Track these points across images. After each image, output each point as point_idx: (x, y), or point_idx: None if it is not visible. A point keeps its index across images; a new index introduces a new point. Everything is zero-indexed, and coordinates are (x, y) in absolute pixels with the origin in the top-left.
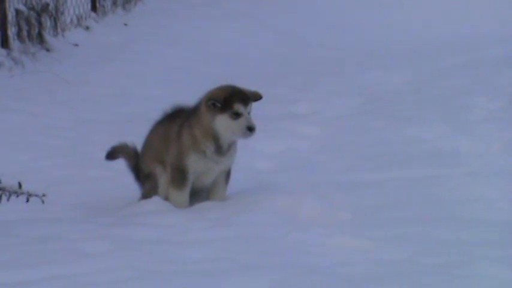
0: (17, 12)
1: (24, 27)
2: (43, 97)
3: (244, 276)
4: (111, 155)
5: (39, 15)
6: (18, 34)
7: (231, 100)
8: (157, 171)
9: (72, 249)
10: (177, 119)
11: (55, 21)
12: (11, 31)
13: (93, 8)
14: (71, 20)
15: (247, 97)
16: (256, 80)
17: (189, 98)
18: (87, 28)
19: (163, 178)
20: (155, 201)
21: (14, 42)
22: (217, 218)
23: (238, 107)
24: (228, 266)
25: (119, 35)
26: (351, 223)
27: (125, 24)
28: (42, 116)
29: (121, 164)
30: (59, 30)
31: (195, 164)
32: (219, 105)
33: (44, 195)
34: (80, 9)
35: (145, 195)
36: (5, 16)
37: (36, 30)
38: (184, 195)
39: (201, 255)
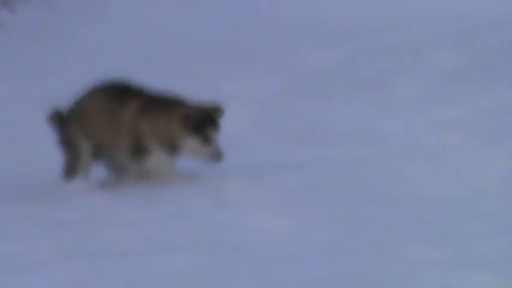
0: None
1: None
2: None
3: (169, 256)
4: (53, 117)
5: None
6: None
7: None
8: (82, 143)
9: None
10: (133, 99)
11: None
12: None
13: None
14: None
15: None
16: (185, 59)
17: (113, 75)
18: (12, 10)
19: (86, 149)
20: (79, 181)
21: None
22: (144, 198)
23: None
24: (153, 246)
25: (45, 17)
26: (278, 203)
27: (50, 7)
28: None
29: (45, 146)
30: None
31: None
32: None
33: None
34: None
35: (68, 165)
36: None
37: None
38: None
39: (126, 236)
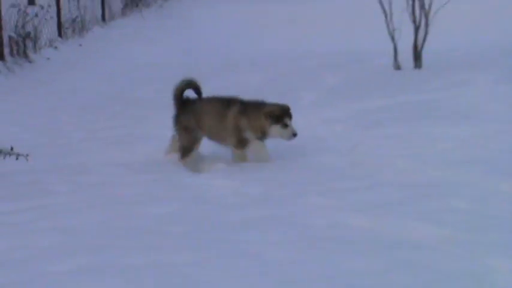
0: (10, 37)
1: (15, 47)
2: (27, 92)
3: (159, 204)
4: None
5: (24, 39)
6: (11, 52)
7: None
8: (198, 134)
9: (45, 189)
10: (233, 103)
11: (34, 43)
12: (6, 50)
13: (59, 34)
14: (45, 42)
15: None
16: (164, 82)
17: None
18: (55, 48)
19: (199, 138)
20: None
21: (8, 57)
22: (145, 168)
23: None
24: (149, 198)
25: (76, 52)
26: (226, 170)
27: (80, 45)
28: (27, 105)
29: (78, 135)
30: (37, 49)
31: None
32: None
33: (27, 155)
34: (50, 35)
35: (184, 145)
36: (1, 40)
37: (22, 49)
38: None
39: (132, 192)
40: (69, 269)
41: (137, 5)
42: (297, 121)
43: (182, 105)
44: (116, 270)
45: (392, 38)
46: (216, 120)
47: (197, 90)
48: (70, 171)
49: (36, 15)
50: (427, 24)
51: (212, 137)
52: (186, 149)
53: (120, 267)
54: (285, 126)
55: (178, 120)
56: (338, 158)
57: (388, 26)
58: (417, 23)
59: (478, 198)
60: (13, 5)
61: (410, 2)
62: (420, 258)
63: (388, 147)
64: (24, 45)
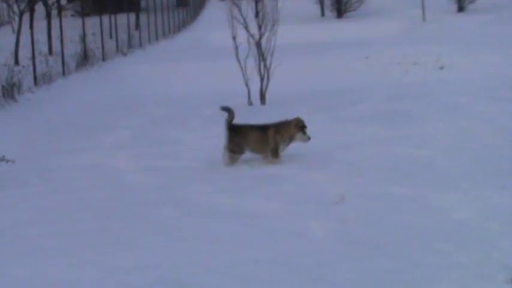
0: (2, 86)
1: (5, 92)
2: (13, 121)
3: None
4: (228, 109)
5: (12, 86)
6: (3, 95)
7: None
8: (243, 148)
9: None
10: (269, 128)
11: (18, 89)
12: None
13: (35, 83)
14: (25, 89)
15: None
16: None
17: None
18: (32, 92)
19: (243, 150)
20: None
21: (1, 99)
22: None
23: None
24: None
25: (46, 95)
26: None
27: (48, 91)
28: (12, 129)
29: (45, 148)
30: (20, 93)
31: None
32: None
33: (14, 160)
34: (29, 84)
35: (233, 151)
36: None
37: (11, 93)
38: (280, 157)
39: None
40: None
41: (85, 65)
42: (185, 137)
43: (232, 129)
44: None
45: (247, 85)
46: (257, 141)
47: (230, 112)
48: (39, 171)
49: (20, 71)
50: (268, 76)
51: (254, 150)
52: (234, 154)
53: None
54: (305, 133)
55: (231, 139)
56: (195, 162)
57: (244, 76)
58: (262, 75)
59: (298, 183)
60: (4, 65)
61: (257, 62)
62: (260, 221)
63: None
64: (12, 91)
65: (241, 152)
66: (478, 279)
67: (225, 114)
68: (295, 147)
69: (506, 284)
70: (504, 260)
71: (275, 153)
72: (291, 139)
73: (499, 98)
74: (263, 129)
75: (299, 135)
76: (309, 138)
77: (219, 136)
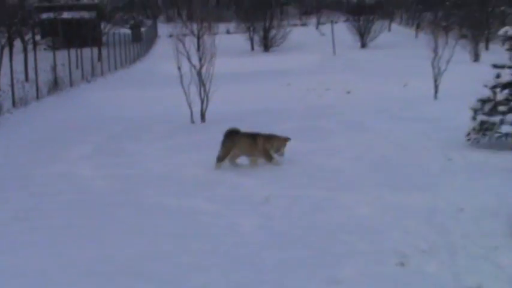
0: None
1: None
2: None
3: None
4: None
5: None
6: None
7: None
8: (234, 151)
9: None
10: (258, 136)
11: None
12: None
13: (13, 105)
14: (5, 111)
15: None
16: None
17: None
18: (11, 113)
19: (232, 153)
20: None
21: None
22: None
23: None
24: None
25: (23, 115)
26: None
27: (24, 112)
28: None
29: (22, 158)
30: (1, 115)
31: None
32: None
33: None
34: (9, 107)
35: (221, 153)
36: None
37: None
38: (274, 159)
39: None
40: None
41: (56, 90)
42: (139, 150)
43: (229, 135)
44: None
45: (190, 106)
46: (248, 146)
47: (237, 130)
48: (17, 179)
49: (0, 95)
50: (207, 100)
51: (245, 153)
52: (223, 157)
53: None
54: (283, 149)
55: (224, 143)
56: (148, 170)
57: (187, 100)
58: (202, 98)
59: (232, 187)
60: None
61: (198, 88)
62: (201, 219)
63: (188, 159)
64: None
65: (227, 155)
66: (374, 264)
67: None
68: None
69: (397, 267)
70: (395, 247)
71: (268, 157)
72: (279, 149)
73: (393, 116)
74: (254, 136)
75: (283, 147)
76: (283, 154)
77: (168, 148)
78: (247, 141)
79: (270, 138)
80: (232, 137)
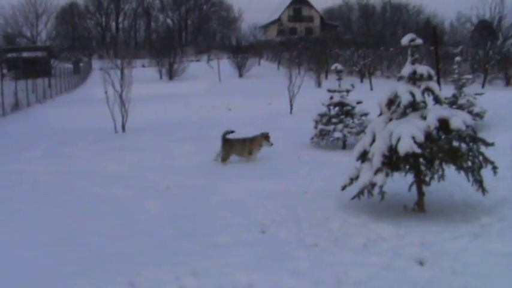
0: None
1: None
2: None
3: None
4: (231, 131)
5: None
6: None
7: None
8: (229, 151)
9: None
10: (246, 140)
11: None
12: None
13: None
14: None
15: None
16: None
17: None
18: None
19: (230, 154)
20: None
21: None
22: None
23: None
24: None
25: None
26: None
27: None
28: None
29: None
30: None
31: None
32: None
33: None
34: None
35: (224, 155)
36: None
37: None
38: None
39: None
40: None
41: (17, 109)
42: (77, 153)
43: (225, 140)
44: None
45: (113, 120)
46: (240, 147)
47: (232, 132)
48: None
49: None
50: (127, 115)
51: (237, 153)
52: (225, 158)
53: None
54: (268, 141)
55: (224, 146)
56: (83, 167)
57: (111, 115)
58: (123, 114)
59: (142, 179)
60: None
61: (120, 106)
62: (120, 203)
63: (112, 159)
64: None
65: (229, 155)
66: (244, 232)
67: (231, 133)
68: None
69: (260, 234)
70: (259, 220)
71: (251, 156)
72: (261, 145)
73: (260, 126)
74: (243, 141)
75: (265, 142)
76: (272, 144)
77: (97, 151)
78: (240, 144)
79: (253, 139)
80: (230, 141)
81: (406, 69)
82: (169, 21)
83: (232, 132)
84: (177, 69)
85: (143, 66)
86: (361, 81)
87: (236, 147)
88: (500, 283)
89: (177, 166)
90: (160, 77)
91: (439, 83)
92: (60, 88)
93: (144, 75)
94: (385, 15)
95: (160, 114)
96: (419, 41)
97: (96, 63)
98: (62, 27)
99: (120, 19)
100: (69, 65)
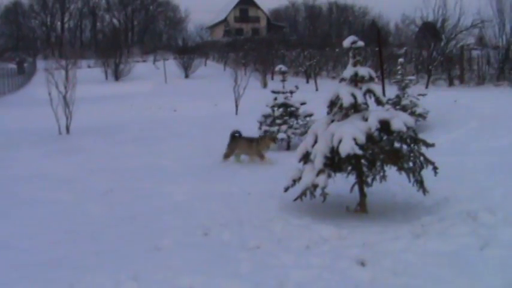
0: None
1: None
2: None
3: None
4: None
5: None
6: None
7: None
8: (235, 150)
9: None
10: (253, 140)
11: None
12: None
13: None
14: None
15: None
16: None
17: None
18: None
19: (234, 151)
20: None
21: None
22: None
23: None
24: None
25: None
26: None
27: None
28: None
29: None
30: None
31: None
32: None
33: None
34: None
35: (227, 152)
36: None
37: None
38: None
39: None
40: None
41: None
42: (19, 154)
43: (232, 138)
44: None
45: (57, 121)
46: (246, 147)
47: (239, 133)
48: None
49: None
50: (71, 116)
51: (243, 152)
52: (228, 155)
53: None
54: (276, 142)
55: (229, 144)
56: (26, 167)
57: (56, 117)
58: (67, 116)
59: (84, 183)
60: None
61: (64, 108)
62: (60, 206)
63: (55, 161)
64: None
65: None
66: (186, 235)
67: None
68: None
69: (202, 236)
70: (202, 222)
71: (261, 157)
72: (268, 147)
73: (206, 127)
74: (251, 141)
75: (272, 144)
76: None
77: (40, 153)
78: (245, 144)
79: (260, 140)
80: (236, 139)
81: (348, 71)
82: (115, 21)
83: (239, 132)
84: (123, 69)
85: (89, 66)
86: (307, 82)
87: (241, 145)
88: (440, 282)
89: (121, 168)
90: (106, 78)
91: (383, 84)
92: (2, 89)
93: (89, 75)
94: (331, 16)
95: (105, 115)
96: (360, 43)
97: (40, 64)
98: (6, 27)
99: (66, 19)
100: (13, 65)
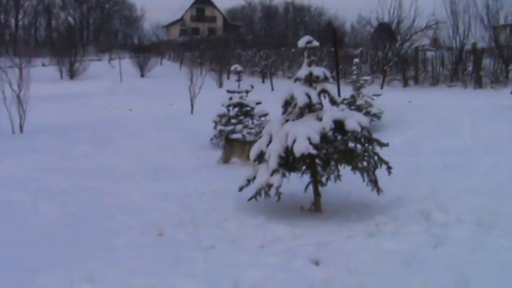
0: None
1: None
2: None
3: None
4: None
5: None
6: None
7: None
8: (230, 152)
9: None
10: (247, 143)
11: None
12: None
13: None
14: None
15: None
16: None
17: None
18: None
19: (230, 154)
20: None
21: None
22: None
23: None
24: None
25: None
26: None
27: None
28: None
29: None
30: None
31: None
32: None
33: None
34: None
35: (225, 157)
36: None
37: None
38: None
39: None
40: None
41: None
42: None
43: (227, 141)
44: None
45: (11, 121)
46: (240, 149)
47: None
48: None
49: None
50: (25, 115)
51: (237, 155)
52: (227, 159)
53: None
54: None
55: (224, 147)
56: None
57: (9, 116)
58: (20, 115)
59: (41, 183)
60: None
61: (18, 107)
62: (19, 207)
63: (9, 161)
64: None
65: (229, 155)
66: (141, 235)
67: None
68: None
69: (157, 236)
70: (156, 222)
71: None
72: None
73: (160, 127)
74: (244, 144)
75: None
76: None
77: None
78: (239, 147)
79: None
80: (230, 142)
81: (303, 71)
82: (70, 19)
83: (232, 134)
84: (78, 68)
85: (43, 65)
86: (263, 82)
87: (236, 149)
88: (394, 281)
89: (75, 168)
90: (61, 77)
91: (338, 84)
92: None
93: (44, 74)
94: (287, 16)
95: (60, 114)
96: (315, 43)
97: None
98: None
99: (20, 16)
100: None
